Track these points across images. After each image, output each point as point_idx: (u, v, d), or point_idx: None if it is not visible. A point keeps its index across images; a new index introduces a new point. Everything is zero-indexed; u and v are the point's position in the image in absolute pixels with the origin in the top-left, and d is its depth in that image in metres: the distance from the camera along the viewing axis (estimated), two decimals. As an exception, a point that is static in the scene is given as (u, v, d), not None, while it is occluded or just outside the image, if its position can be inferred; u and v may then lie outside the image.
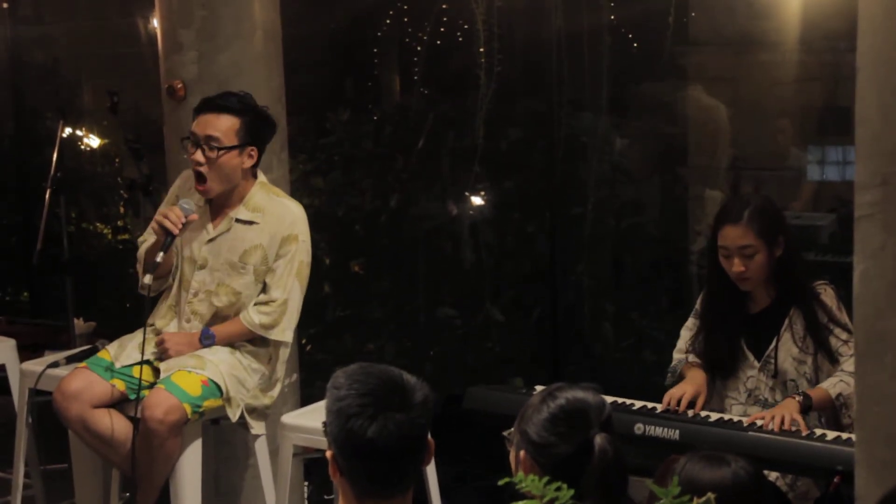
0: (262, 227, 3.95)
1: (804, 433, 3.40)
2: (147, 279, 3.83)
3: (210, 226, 3.99)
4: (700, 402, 3.66)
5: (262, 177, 4.05)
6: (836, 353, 3.63)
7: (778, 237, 3.66)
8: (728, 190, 5.62)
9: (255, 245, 3.95)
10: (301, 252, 3.98)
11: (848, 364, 3.58)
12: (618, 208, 5.73)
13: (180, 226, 3.82)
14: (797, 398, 3.52)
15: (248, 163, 3.94)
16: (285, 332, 4.00)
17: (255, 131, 3.93)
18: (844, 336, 3.62)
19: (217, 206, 3.99)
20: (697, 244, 5.58)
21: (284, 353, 4.09)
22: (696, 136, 5.79)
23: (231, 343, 4.00)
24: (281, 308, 3.96)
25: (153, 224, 3.89)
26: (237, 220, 3.96)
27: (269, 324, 3.96)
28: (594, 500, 2.36)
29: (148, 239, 4.06)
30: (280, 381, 4.10)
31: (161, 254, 3.81)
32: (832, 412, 3.58)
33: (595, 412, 2.46)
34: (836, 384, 3.55)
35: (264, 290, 3.98)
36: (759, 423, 3.49)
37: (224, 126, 3.86)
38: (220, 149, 3.85)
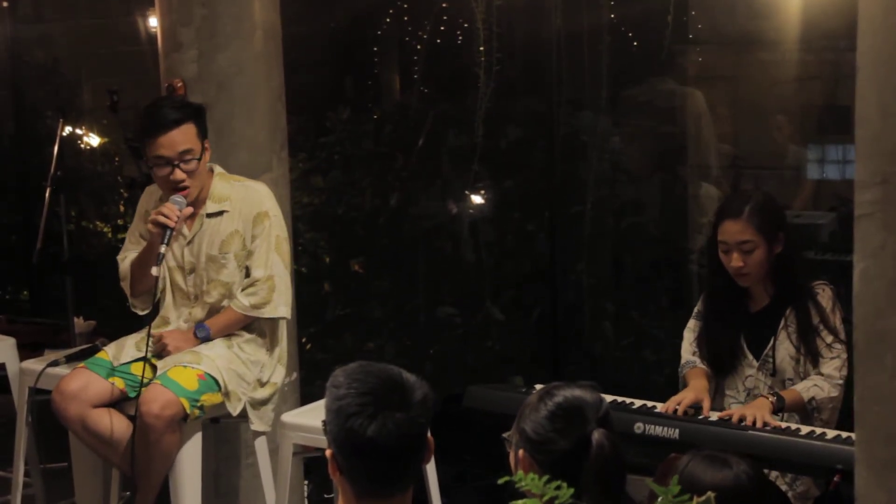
0: (231, 213, 3.98)
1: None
2: (155, 271, 3.83)
3: (185, 229, 4.00)
4: (706, 406, 3.65)
5: (217, 168, 4.07)
6: (818, 355, 3.63)
7: (778, 234, 3.67)
8: (728, 187, 5.62)
9: (232, 232, 3.97)
10: (275, 227, 3.99)
11: (826, 367, 3.59)
12: (618, 207, 5.73)
13: (175, 218, 3.84)
14: (770, 399, 3.52)
15: (208, 156, 3.97)
16: (279, 309, 3.99)
17: (205, 125, 3.96)
18: (829, 339, 3.62)
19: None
20: (697, 243, 5.58)
21: (283, 335, 4.10)
22: (680, 127, 5.80)
23: (228, 333, 4.01)
24: (267, 285, 3.97)
25: (149, 226, 3.89)
26: (208, 216, 3.99)
27: (258, 303, 3.97)
28: (592, 496, 2.36)
29: (128, 255, 4.08)
30: (283, 365, 4.10)
31: (163, 245, 3.82)
32: (804, 415, 3.58)
33: (592, 409, 2.47)
34: (810, 388, 3.56)
35: (247, 273, 4.00)
36: (725, 419, 3.49)
37: (189, 136, 3.87)
38: (197, 159, 3.89)
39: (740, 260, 3.64)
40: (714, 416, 3.55)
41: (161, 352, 3.95)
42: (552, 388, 2.54)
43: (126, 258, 4.09)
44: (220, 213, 3.98)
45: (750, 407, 3.50)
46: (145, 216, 4.04)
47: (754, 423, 3.41)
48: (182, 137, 3.85)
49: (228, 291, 4.00)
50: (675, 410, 3.60)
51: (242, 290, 3.98)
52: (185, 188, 3.89)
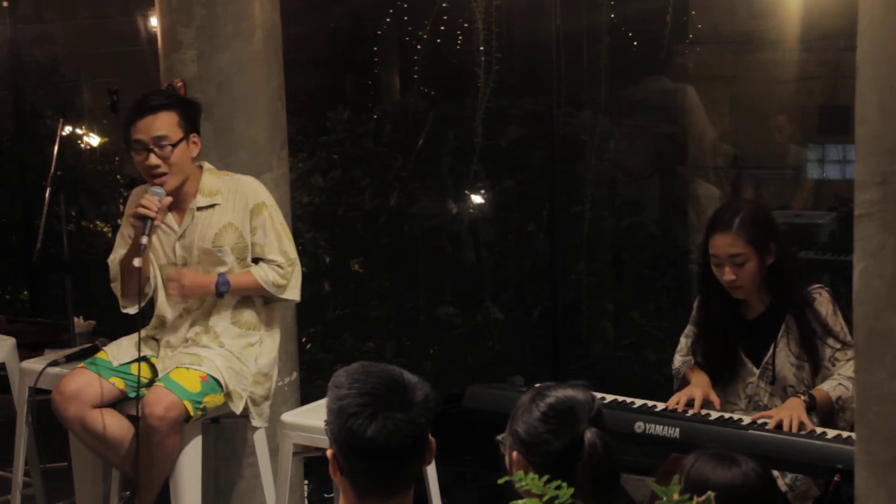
0: (223, 206, 3.98)
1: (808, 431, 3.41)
2: (137, 262, 3.83)
3: (175, 225, 4.00)
4: (716, 401, 3.65)
5: (207, 164, 4.08)
6: (829, 360, 3.62)
7: (769, 245, 3.62)
8: (728, 187, 5.62)
9: (225, 225, 3.97)
10: (275, 214, 4.03)
11: (845, 369, 3.57)
12: (617, 207, 5.73)
13: (155, 209, 3.84)
14: (802, 398, 3.51)
15: (195, 150, 3.98)
16: (294, 291, 4.05)
17: (192, 118, 3.97)
18: (837, 345, 3.61)
19: (176, 205, 3.99)
20: (697, 242, 5.58)
21: (274, 328, 4.12)
22: (679, 126, 5.81)
23: (241, 295, 4.01)
24: (291, 269, 4.02)
25: (130, 219, 3.88)
26: (198, 209, 3.98)
27: (281, 284, 4.01)
28: (585, 496, 2.36)
29: (117, 256, 4.06)
30: (277, 361, 4.10)
31: (145, 237, 3.83)
32: (829, 414, 3.58)
33: (584, 408, 2.48)
34: (836, 387, 3.55)
35: (255, 262, 4.01)
36: (761, 422, 3.48)
37: (167, 123, 3.88)
38: (172, 145, 3.88)
39: (732, 273, 3.60)
40: (748, 419, 3.54)
41: (175, 292, 3.94)
42: (544, 388, 2.54)
43: (116, 259, 4.08)
44: (212, 206, 3.98)
45: (785, 409, 3.49)
46: None
47: (791, 426, 3.41)
48: (158, 123, 3.87)
49: None
50: (686, 409, 3.60)
51: (268, 263, 4.00)
52: (161, 175, 3.89)
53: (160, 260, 4.02)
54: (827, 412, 3.57)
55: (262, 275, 3.98)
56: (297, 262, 4.06)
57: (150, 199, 3.85)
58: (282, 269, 4.01)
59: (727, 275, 3.61)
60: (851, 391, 3.51)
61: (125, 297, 4.07)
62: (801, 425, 3.41)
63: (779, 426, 3.43)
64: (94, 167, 7.19)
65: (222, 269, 3.98)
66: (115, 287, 4.07)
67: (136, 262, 3.84)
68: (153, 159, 3.87)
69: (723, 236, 3.61)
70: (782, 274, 3.66)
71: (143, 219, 3.83)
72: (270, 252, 3.99)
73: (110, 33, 7.22)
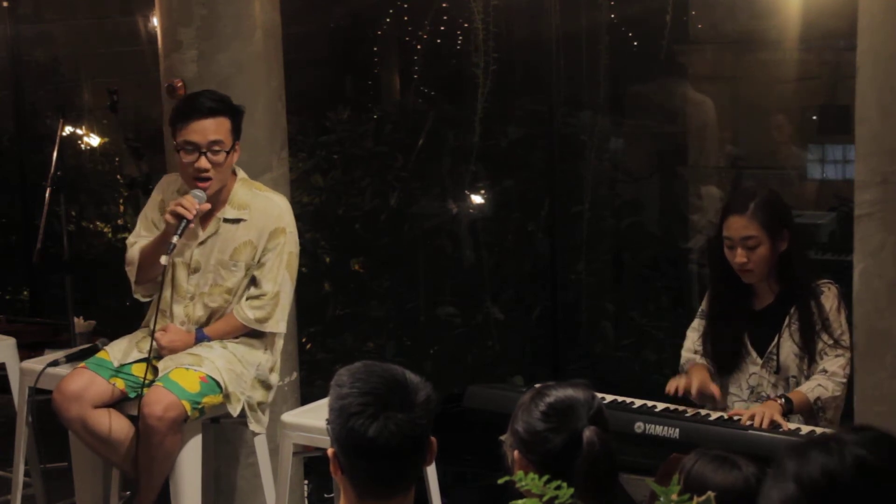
0: (249, 223, 3.97)
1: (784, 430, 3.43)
2: (164, 260, 3.81)
3: (199, 229, 3.99)
4: (716, 392, 3.66)
5: (241, 173, 4.07)
6: (819, 354, 3.64)
7: (782, 231, 3.67)
8: (729, 187, 5.62)
9: (245, 242, 3.97)
10: (289, 244, 4.00)
11: (830, 363, 3.59)
12: (617, 207, 5.73)
13: (194, 211, 3.83)
14: (779, 401, 3.53)
15: (236, 158, 3.98)
16: (279, 324, 4.02)
17: (238, 126, 3.97)
18: (830, 342, 3.62)
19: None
20: (696, 242, 5.58)
21: (279, 344, 4.12)
22: (688, 131, 5.81)
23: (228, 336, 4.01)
24: (273, 301, 3.98)
25: (166, 215, 3.86)
26: (225, 220, 3.98)
27: (262, 318, 3.99)
28: (583, 494, 2.36)
29: (139, 241, 4.05)
30: (276, 372, 4.10)
31: (176, 237, 3.81)
32: (810, 415, 3.59)
33: (584, 407, 2.49)
34: (815, 388, 3.57)
35: (254, 283, 4.00)
36: (737, 418, 3.50)
37: (222, 128, 3.89)
38: (226, 152, 3.89)
39: (744, 256, 3.65)
40: (725, 415, 3.55)
41: (158, 349, 3.95)
42: (544, 387, 2.54)
43: (136, 243, 4.05)
44: (238, 220, 3.97)
45: (759, 407, 3.51)
46: (161, 204, 4.04)
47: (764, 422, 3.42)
48: (215, 127, 3.87)
49: (232, 298, 4.00)
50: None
51: (247, 299, 3.99)
52: (206, 179, 3.88)
53: (175, 257, 4.01)
54: (807, 413, 3.59)
55: (243, 314, 3.98)
56: (285, 295, 4.01)
57: (191, 200, 3.83)
58: (260, 300, 3.98)
59: (739, 257, 3.65)
60: (831, 391, 3.55)
61: (139, 284, 4.06)
62: (774, 423, 3.42)
63: (769, 423, 3.44)
64: (94, 167, 7.19)
65: (231, 281, 3.98)
66: (130, 270, 4.04)
67: (164, 259, 3.82)
68: (204, 162, 3.86)
69: (737, 218, 3.66)
70: (793, 262, 3.70)
71: (180, 218, 3.82)
72: (267, 276, 3.98)
73: (110, 33, 7.22)
